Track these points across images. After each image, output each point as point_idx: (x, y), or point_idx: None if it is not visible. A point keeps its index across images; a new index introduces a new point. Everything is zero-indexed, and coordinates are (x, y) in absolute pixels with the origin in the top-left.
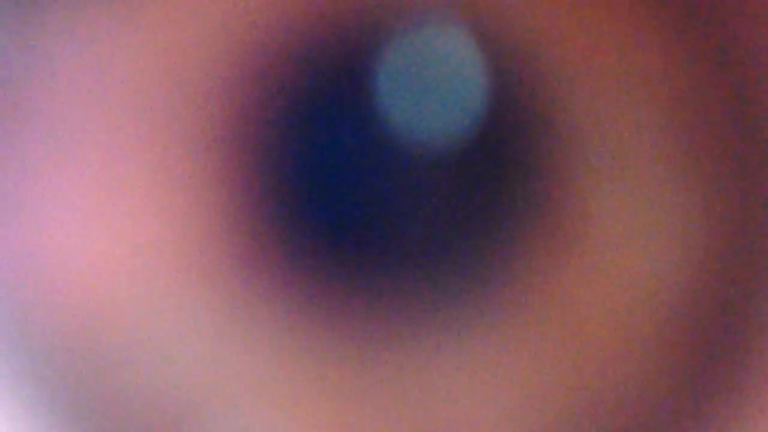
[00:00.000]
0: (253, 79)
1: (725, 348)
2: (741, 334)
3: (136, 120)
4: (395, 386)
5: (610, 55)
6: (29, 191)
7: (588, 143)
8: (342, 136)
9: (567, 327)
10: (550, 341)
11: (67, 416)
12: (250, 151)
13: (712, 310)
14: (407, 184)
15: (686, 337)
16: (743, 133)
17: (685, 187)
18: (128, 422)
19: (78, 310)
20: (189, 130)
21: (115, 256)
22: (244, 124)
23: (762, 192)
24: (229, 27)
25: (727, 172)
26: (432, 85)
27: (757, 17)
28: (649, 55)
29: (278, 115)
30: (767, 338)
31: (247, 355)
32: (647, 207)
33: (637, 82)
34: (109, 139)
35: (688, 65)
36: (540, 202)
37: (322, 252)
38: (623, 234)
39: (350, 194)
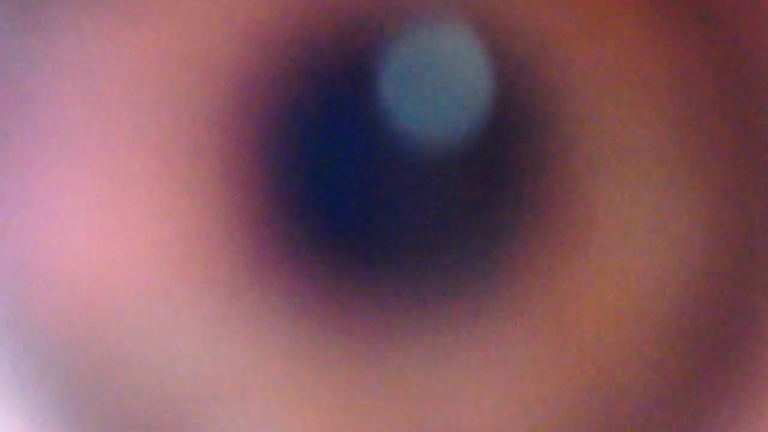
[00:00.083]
0: (257, 79)
1: (726, 349)
2: (742, 335)
3: (136, 120)
4: (397, 385)
5: (614, 56)
6: (30, 191)
7: (591, 144)
8: (345, 137)
9: (569, 327)
10: (552, 341)
11: (68, 416)
12: (252, 150)
13: (713, 312)
14: (410, 184)
15: (687, 338)
16: (746, 135)
17: (688, 189)
18: (129, 422)
19: (78, 310)
20: (191, 130)
21: (116, 256)
22: (247, 124)
23: (764, 194)
24: (232, 26)
25: (729, 174)
26: (435, 86)
27: (761, 19)
28: (653, 57)
29: (282, 116)
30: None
31: (249, 354)
32: (649, 208)
33: (640, 84)
34: (110, 138)
35: (691, 67)
36: (542, 203)
37: (326, 251)
38: (625, 235)
39: (353, 194)
